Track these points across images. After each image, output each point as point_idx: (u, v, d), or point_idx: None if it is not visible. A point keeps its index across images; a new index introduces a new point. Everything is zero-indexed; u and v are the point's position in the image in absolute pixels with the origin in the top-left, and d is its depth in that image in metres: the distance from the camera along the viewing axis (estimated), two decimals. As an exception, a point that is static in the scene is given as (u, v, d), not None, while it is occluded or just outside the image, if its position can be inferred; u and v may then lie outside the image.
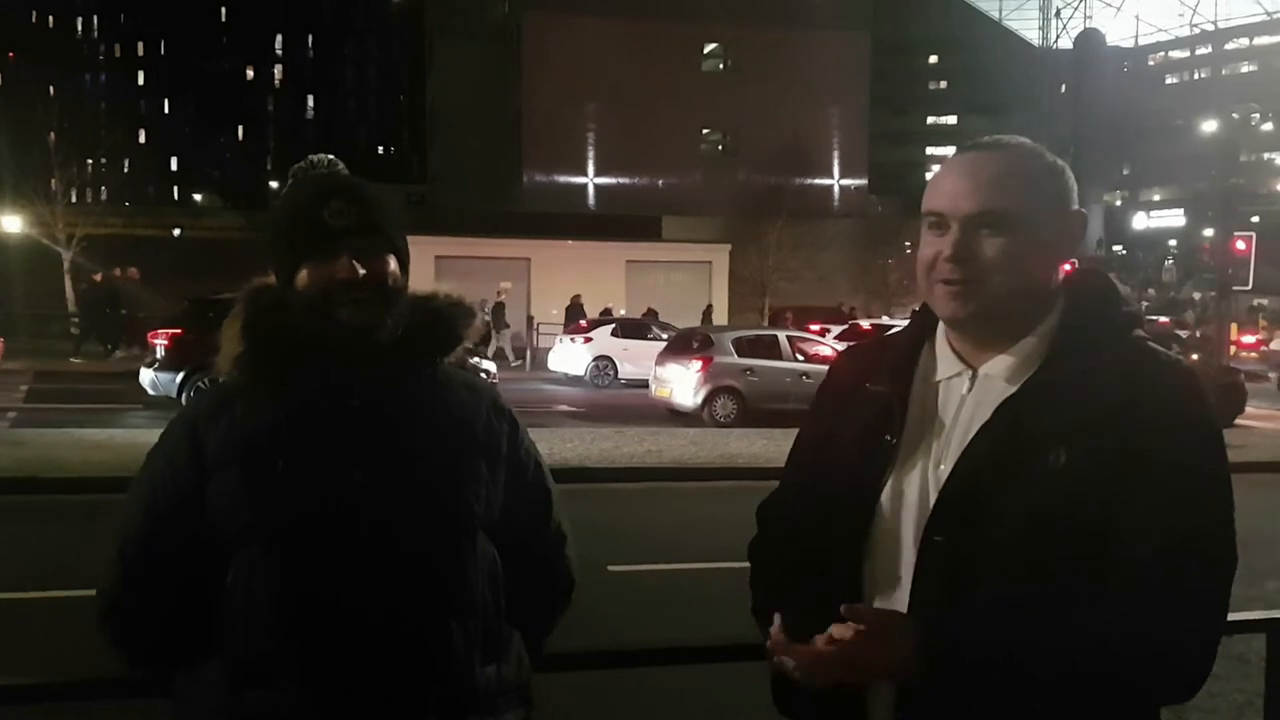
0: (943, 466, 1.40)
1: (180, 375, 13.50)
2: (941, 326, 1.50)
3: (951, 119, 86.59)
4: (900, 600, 1.38)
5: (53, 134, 32.62)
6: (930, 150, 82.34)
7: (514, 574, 1.66)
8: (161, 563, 1.55)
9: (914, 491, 1.41)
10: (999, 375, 1.42)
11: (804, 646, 1.33)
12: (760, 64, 38.14)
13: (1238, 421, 16.60)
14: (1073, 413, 1.33)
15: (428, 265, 22.80)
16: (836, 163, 41.01)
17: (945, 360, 1.48)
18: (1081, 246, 1.48)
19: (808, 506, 1.50)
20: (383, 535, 1.51)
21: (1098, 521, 1.29)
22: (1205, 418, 1.38)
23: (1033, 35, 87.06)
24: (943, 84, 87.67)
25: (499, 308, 23.96)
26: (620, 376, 21.21)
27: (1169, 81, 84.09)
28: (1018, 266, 1.38)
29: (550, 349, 23.18)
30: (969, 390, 1.44)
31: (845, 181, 41.24)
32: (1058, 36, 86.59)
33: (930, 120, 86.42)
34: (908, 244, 31.38)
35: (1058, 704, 1.29)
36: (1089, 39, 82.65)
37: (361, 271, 1.53)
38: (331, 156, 1.67)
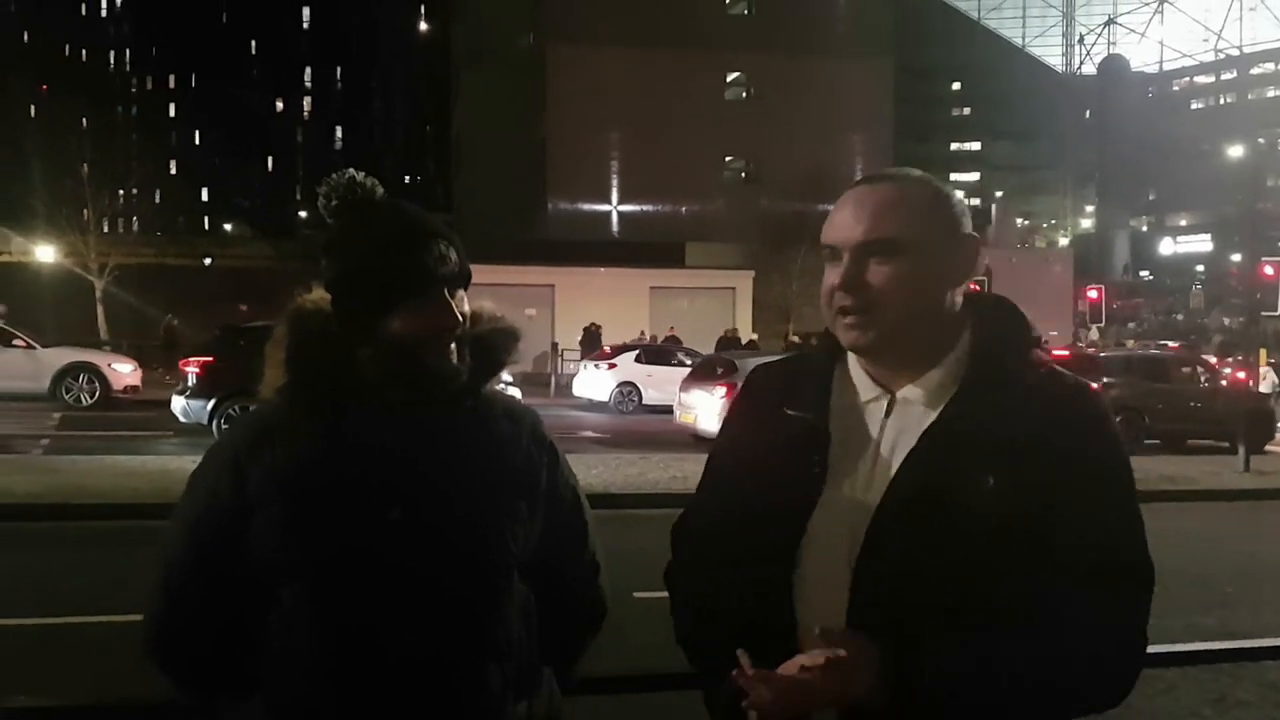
0: (870, 493, 1.40)
1: (211, 403, 13.64)
2: None
3: (975, 145, 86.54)
4: (836, 626, 1.37)
5: (85, 165, 33.16)
6: (954, 176, 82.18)
7: (546, 602, 1.65)
8: (204, 594, 1.54)
9: (844, 517, 1.40)
10: (918, 400, 1.44)
11: (781, 675, 1.31)
12: (782, 92, 38.31)
13: (1268, 448, 16.43)
14: (994, 438, 1.35)
15: (453, 293, 22.89)
16: (860, 189, 41.06)
17: (862, 384, 1.49)
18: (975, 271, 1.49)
19: (731, 531, 1.47)
20: (419, 575, 1.50)
21: (1027, 541, 1.33)
22: (1112, 435, 1.44)
23: (1056, 61, 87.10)
24: (966, 110, 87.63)
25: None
26: (644, 402, 21.26)
27: (1194, 107, 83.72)
28: (910, 291, 1.40)
29: (574, 375, 23.28)
30: (888, 414, 1.45)
31: (868, 208, 41.25)
32: (1081, 62, 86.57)
33: (954, 146, 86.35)
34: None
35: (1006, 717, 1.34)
36: (1113, 65, 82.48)
37: (460, 315, 1.53)
38: (365, 175, 1.61)
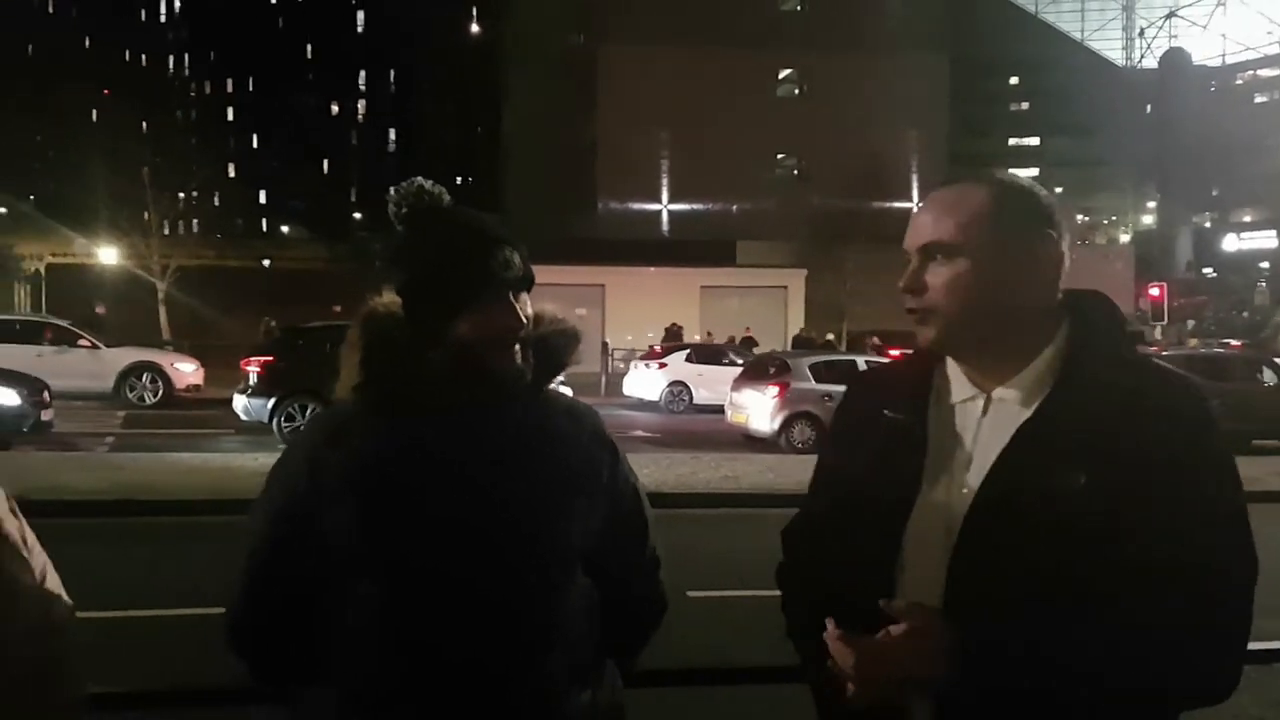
0: (965, 491, 1.44)
1: (272, 401, 13.91)
2: None
3: (1034, 140, 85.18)
4: (912, 628, 1.41)
5: (146, 168, 33.88)
6: (1012, 172, 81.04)
7: (608, 597, 1.69)
8: (282, 585, 1.60)
9: (940, 515, 1.45)
10: (1012, 399, 1.46)
11: (859, 639, 1.38)
12: (834, 89, 38.07)
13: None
14: (1088, 435, 1.38)
15: (505, 293, 23.08)
16: (915, 186, 40.67)
17: (959, 384, 1.52)
18: (1060, 270, 1.50)
19: (835, 532, 1.54)
20: (485, 571, 1.54)
21: (1118, 538, 1.34)
22: (1210, 434, 1.43)
23: (1116, 55, 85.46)
24: (1024, 105, 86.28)
25: None
26: (695, 402, 21.24)
27: (1258, 100, 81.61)
28: (967, 293, 1.44)
29: (625, 374, 23.33)
30: (984, 414, 1.49)
31: (924, 205, 40.91)
32: (1142, 56, 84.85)
33: (1012, 142, 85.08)
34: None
35: (1087, 709, 1.34)
36: (1174, 58, 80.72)
37: (524, 317, 1.58)
38: (432, 183, 1.66)
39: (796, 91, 40.16)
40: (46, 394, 13.41)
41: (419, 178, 1.65)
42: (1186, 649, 1.35)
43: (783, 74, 40.16)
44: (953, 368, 1.54)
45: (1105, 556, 1.34)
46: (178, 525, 8.57)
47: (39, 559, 1.56)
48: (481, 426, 1.58)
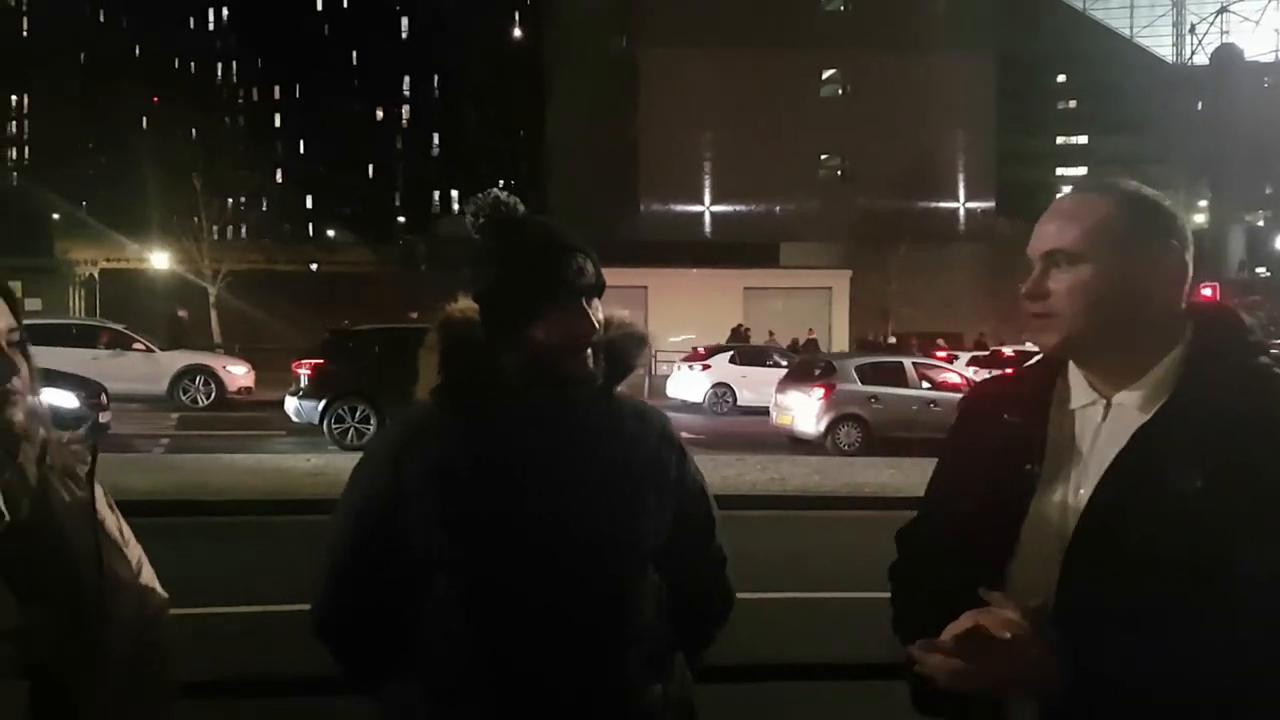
0: (1082, 492, 1.46)
1: (323, 403, 14.10)
2: None
3: (1082, 138, 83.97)
4: (1000, 592, 1.43)
5: (195, 175, 34.42)
6: (1060, 171, 79.91)
7: (677, 591, 1.74)
8: (367, 579, 1.66)
9: (1054, 517, 1.47)
10: (1132, 405, 1.48)
11: (947, 642, 1.38)
12: (880, 88, 37.82)
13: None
14: (1206, 439, 1.38)
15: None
16: (961, 185, 40.28)
17: (1079, 390, 1.54)
18: (1186, 276, 1.50)
19: (950, 532, 1.56)
20: (559, 564, 1.59)
21: (1233, 545, 1.34)
22: None
23: (1166, 52, 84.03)
24: (1072, 103, 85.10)
25: None
26: (738, 403, 21.19)
27: (1315, 95, 79.77)
28: (1088, 300, 1.46)
29: (668, 376, 23.33)
30: (1104, 419, 1.50)
31: (971, 204, 40.47)
32: (1193, 52, 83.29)
33: (1060, 140, 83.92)
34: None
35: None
36: (1226, 54, 79.12)
37: (596, 323, 1.64)
38: (509, 195, 1.72)
39: (840, 91, 39.95)
40: (104, 396, 13.69)
41: (495, 189, 1.72)
42: None
43: (826, 74, 39.96)
44: (1074, 374, 1.57)
45: (1219, 562, 1.34)
46: (237, 525, 8.72)
47: (134, 552, 1.61)
48: (555, 428, 1.63)
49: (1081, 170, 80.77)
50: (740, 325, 27.53)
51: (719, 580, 1.86)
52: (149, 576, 1.62)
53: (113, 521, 1.58)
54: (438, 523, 1.60)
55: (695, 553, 1.80)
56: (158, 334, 21.50)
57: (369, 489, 1.68)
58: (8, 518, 1.44)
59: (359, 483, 1.71)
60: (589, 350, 1.63)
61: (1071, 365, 1.57)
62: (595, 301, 1.65)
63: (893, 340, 28.41)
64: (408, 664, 1.65)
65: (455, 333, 1.67)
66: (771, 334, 27.61)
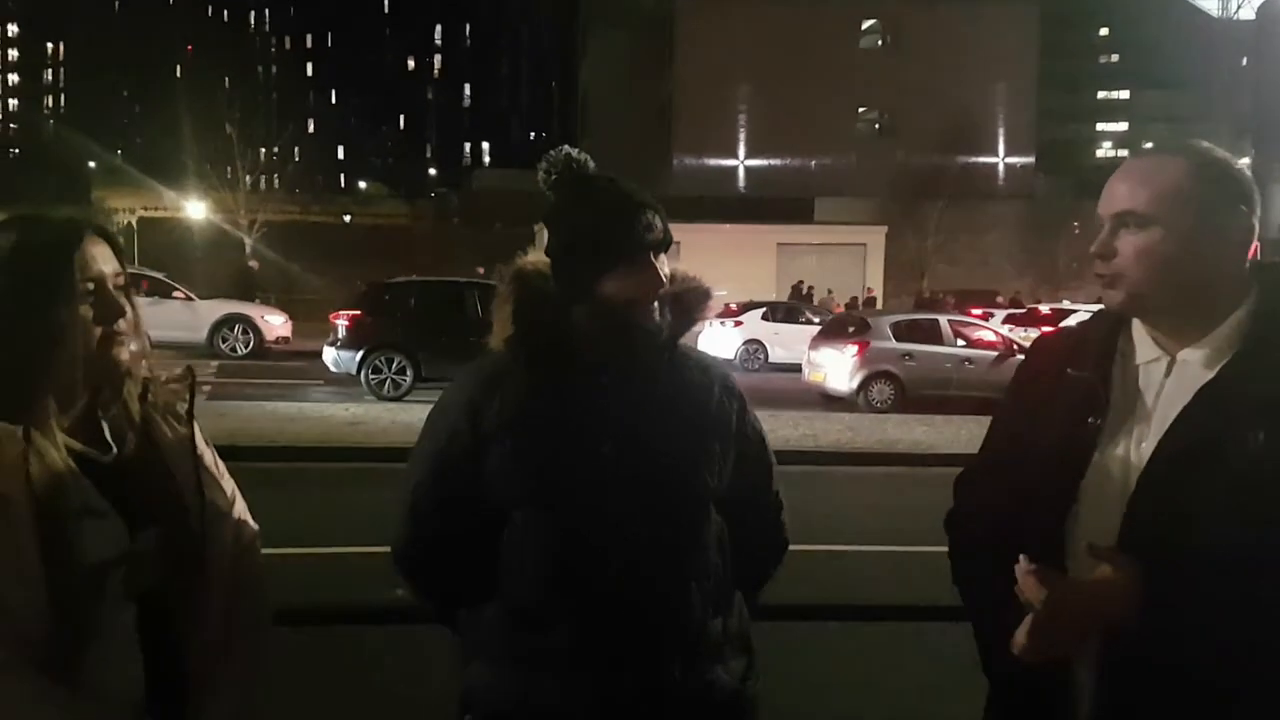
0: (1145, 446, 1.49)
1: (360, 354, 14.25)
2: None
3: (1124, 94, 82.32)
4: (1104, 572, 1.45)
5: (230, 124, 34.56)
6: (1101, 126, 78.46)
7: (737, 536, 1.82)
8: (445, 515, 1.76)
9: (1117, 469, 1.50)
10: (1196, 362, 1.50)
11: (1055, 575, 1.42)
12: (921, 40, 37.17)
13: None
14: (1267, 398, 1.41)
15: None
16: (1001, 141, 39.64)
17: (1144, 345, 1.57)
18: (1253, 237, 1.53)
19: (1011, 482, 1.58)
20: (629, 503, 1.68)
21: None
22: None
23: (1211, 5, 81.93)
24: (1114, 58, 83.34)
25: None
26: (770, 360, 21.21)
27: (1365, 51, 77.64)
28: (1155, 262, 1.48)
29: (699, 332, 23.32)
30: (1167, 375, 1.53)
31: (1011, 160, 39.84)
32: (1239, 7, 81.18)
33: (1101, 95, 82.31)
34: (1077, 225, 30.15)
35: (1252, 660, 1.38)
36: (1272, 9, 76.94)
37: (663, 277, 1.70)
38: (579, 151, 1.77)
39: (880, 43, 39.27)
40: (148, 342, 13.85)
41: (567, 147, 1.77)
42: None
43: (866, 25, 39.29)
44: (1138, 330, 1.59)
45: (1276, 515, 1.37)
46: (283, 470, 8.87)
47: (229, 484, 1.69)
48: (623, 376, 1.71)
49: (1122, 126, 79.24)
50: (801, 282, 27.22)
51: (775, 524, 1.95)
52: (242, 509, 1.70)
53: (210, 456, 1.66)
54: (514, 465, 1.69)
55: (754, 497, 1.88)
56: (210, 284, 21.76)
57: (447, 431, 1.76)
58: (115, 451, 1.51)
59: (435, 426, 1.79)
60: (656, 304, 1.69)
61: (1136, 321, 1.59)
62: (662, 256, 1.71)
63: (952, 299, 28.11)
64: (483, 593, 1.74)
65: (528, 285, 1.74)
66: (830, 292, 27.42)
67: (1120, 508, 1.47)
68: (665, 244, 1.71)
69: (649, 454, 1.70)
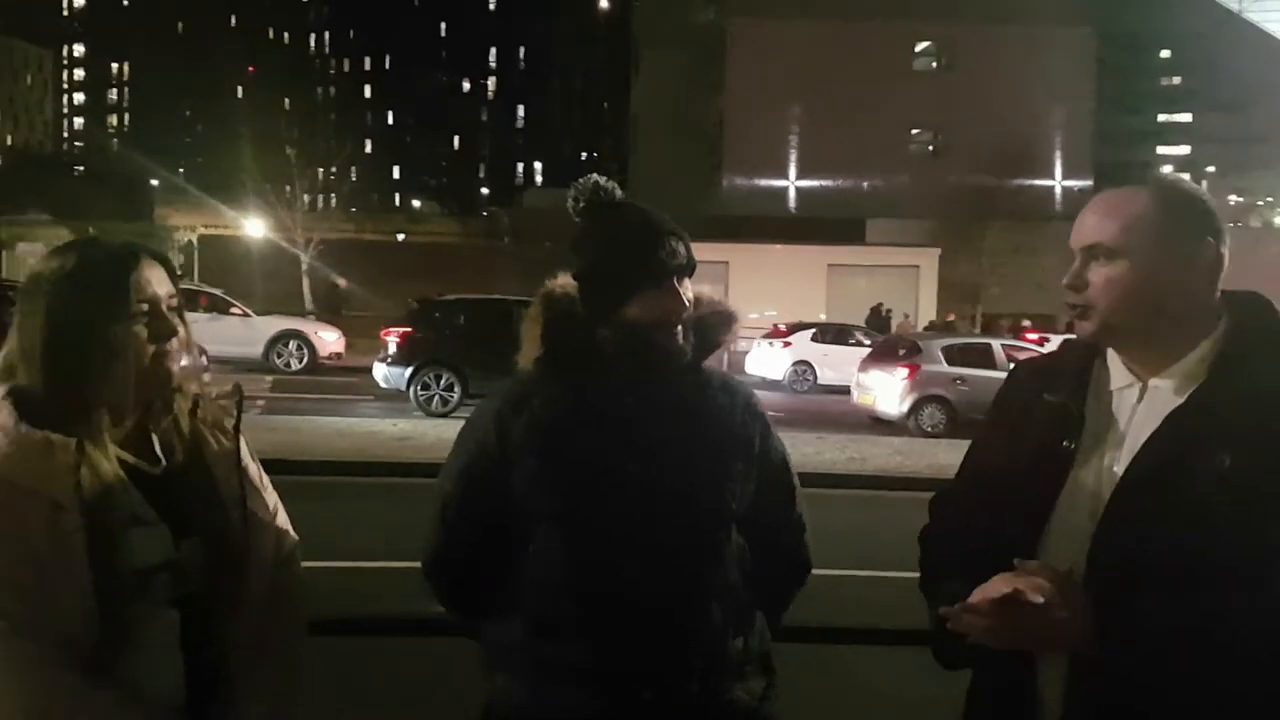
0: (1116, 469, 1.53)
1: (409, 370, 14.44)
2: None
3: (1186, 116, 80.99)
4: (1052, 594, 1.46)
5: (289, 145, 35.24)
6: (1161, 150, 77.20)
7: (759, 556, 1.86)
8: (473, 527, 1.81)
9: (1088, 491, 1.55)
10: (1167, 388, 1.55)
11: (984, 604, 1.44)
12: (976, 62, 36.80)
13: None
14: (1236, 423, 1.45)
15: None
16: (1058, 163, 39.12)
17: (1117, 372, 1.61)
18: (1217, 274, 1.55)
19: (986, 501, 1.64)
20: (651, 521, 1.72)
21: (1258, 521, 1.41)
22: None
23: (1275, 26, 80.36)
24: (1176, 80, 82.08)
25: None
26: (819, 382, 21.09)
27: None
28: (1123, 294, 1.53)
29: (747, 353, 23.29)
30: (1139, 400, 1.57)
31: (1068, 183, 39.25)
32: (1306, 26, 79.53)
33: (1162, 118, 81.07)
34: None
35: (1213, 687, 1.41)
36: (1341, 28, 75.39)
37: (686, 301, 1.76)
38: (607, 179, 1.83)
39: (935, 64, 38.98)
40: (204, 359, 14.19)
41: (595, 175, 1.84)
42: None
43: (920, 46, 39.02)
44: (1112, 357, 1.64)
45: (1245, 540, 1.41)
46: (330, 485, 9.00)
47: (271, 498, 1.75)
48: (648, 398, 1.76)
49: (1184, 149, 77.93)
50: (880, 304, 26.85)
51: (798, 546, 1.97)
52: (284, 520, 1.76)
53: (254, 470, 1.72)
54: (540, 480, 1.74)
55: (776, 519, 1.91)
56: (267, 300, 22.11)
57: (477, 446, 1.82)
58: (164, 463, 1.58)
59: (467, 442, 1.85)
60: (679, 327, 1.74)
61: (1110, 349, 1.64)
62: (686, 281, 1.76)
63: (1027, 322, 27.64)
64: (508, 606, 1.78)
65: (556, 307, 1.80)
66: (907, 315, 27.16)
67: (1090, 529, 1.51)
68: (689, 269, 1.77)
69: (671, 473, 1.74)
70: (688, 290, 1.76)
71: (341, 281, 26.80)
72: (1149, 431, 1.53)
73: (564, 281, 1.82)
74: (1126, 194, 1.58)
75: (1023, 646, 1.49)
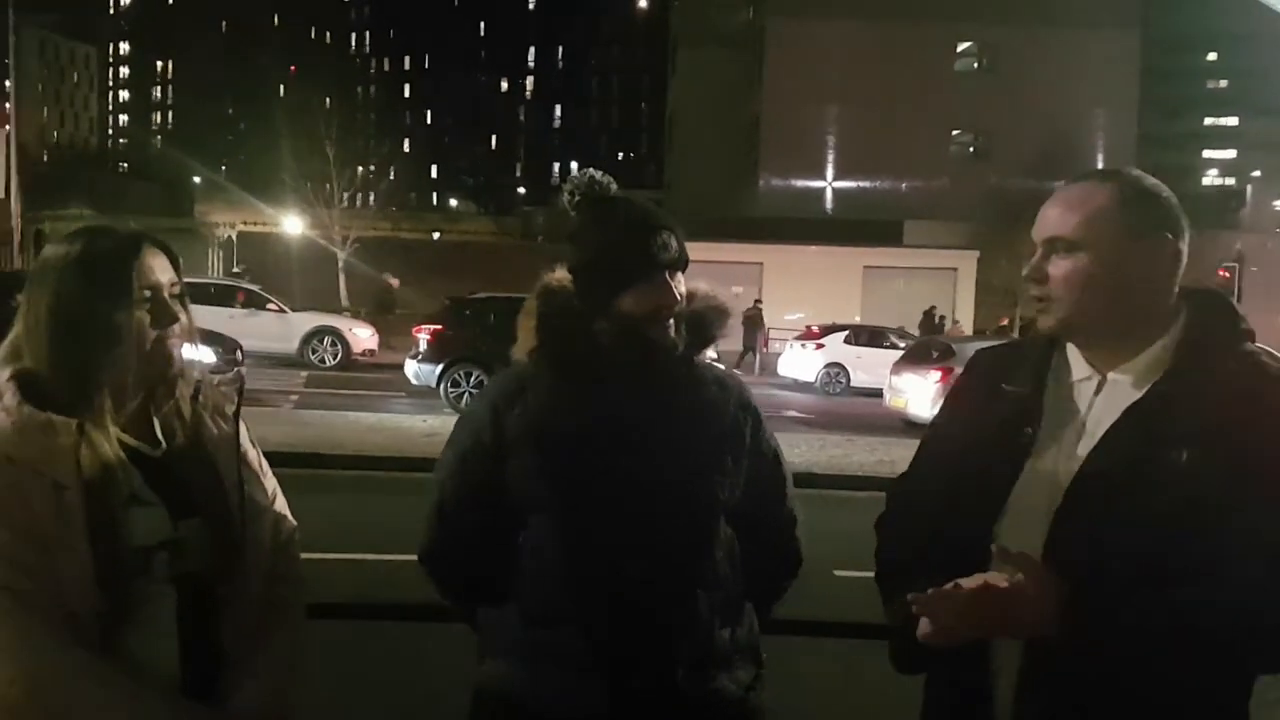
0: (1072, 461, 1.54)
1: (440, 367, 14.55)
2: None
3: (1232, 120, 79.71)
4: (1018, 579, 1.47)
5: (328, 144, 35.57)
6: (1207, 154, 76.07)
7: (750, 549, 1.88)
8: (469, 517, 1.84)
9: (1045, 482, 1.55)
10: (1126, 382, 1.56)
11: (958, 591, 1.45)
12: (1018, 63, 36.40)
13: None
14: (1193, 417, 1.46)
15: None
16: (1100, 166, 38.49)
17: (1077, 365, 1.62)
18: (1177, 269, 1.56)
19: (944, 489, 1.64)
20: (643, 512, 1.75)
21: (1213, 515, 1.42)
22: None
23: (1327, 28, 78.90)
24: (1222, 83, 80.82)
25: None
26: (852, 384, 20.98)
27: None
28: (1081, 287, 1.54)
29: (780, 354, 23.21)
30: (1097, 393, 1.58)
31: (1110, 187, 38.75)
32: (1358, 28, 78.01)
33: (1208, 121, 79.87)
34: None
35: (1169, 670, 1.42)
36: (1395, 30, 73.84)
37: (679, 295, 1.78)
38: (603, 173, 1.85)
39: (976, 65, 38.57)
40: (240, 353, 14.40)
41: (590, 169, 1.87)
42: (1264, 620, 1.42)
43: (962, 47, 38.61)
44: (1072, 350, 1.65)
45: (1201, 533, 1.42)
46: (361, 479, 9.09)
47: (271, 483, 1.79)
48: (640, 390, 1.78)
49: (1230, 154, 76.72)
50: (933, 308, 26.62)
51: (788, 539, 1.99)
52: (282, 505, 1.79)
53: (254, 455, 1.76)
54: (534, 471, 1.77)
55: (767, 512, 1.93)
56: (304, 296, 22.34)
57: (473, 437, 1.85)
58: (165, 445, 1.62)
59: (462, 434, 1.88)
60: (672, 320, 1.77)
61: (1069, 342, 1.64)
62: (679, 275, 1.79)
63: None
64: (503, 593, 1.82)
65: (552, 301, 1.82)
66: (958, 321, 26.97)
67: (1046, 519, 1.52)
68: (681, 263, 1.79)
69: (663, 465, 1.77)
70: (680, 284, 1.78)
71: (395, 281, 27.08)
72: (1108, 424, 1.54)
73: (561, 275, 1.85)
74: (1088, 188, 1.59)
75: (989, 633, 1.49)
